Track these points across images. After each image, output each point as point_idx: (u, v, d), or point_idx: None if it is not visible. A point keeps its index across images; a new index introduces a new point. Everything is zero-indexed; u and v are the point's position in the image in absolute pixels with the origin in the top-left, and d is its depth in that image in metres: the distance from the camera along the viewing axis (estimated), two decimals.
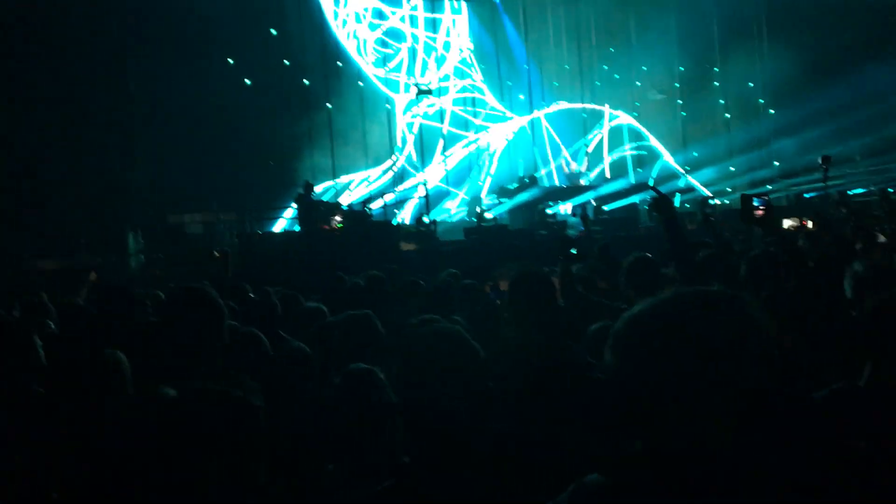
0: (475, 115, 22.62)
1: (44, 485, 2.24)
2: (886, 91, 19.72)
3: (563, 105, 22.82)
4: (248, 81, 17.82)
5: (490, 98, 22.93)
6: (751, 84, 23.10)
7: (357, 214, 14.55)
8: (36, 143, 15.18)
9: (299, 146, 18.37)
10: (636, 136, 23.37)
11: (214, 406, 1.69)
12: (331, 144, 18.31)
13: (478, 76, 23.00)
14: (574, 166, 19.59)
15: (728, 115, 22.92)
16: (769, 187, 21.10)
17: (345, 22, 20.89)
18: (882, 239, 4.57)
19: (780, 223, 11.30)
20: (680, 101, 22.86)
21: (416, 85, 19.20)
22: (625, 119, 23.19)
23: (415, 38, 21.73)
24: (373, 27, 21.39)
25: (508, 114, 22.74)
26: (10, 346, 2.53)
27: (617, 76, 23.13)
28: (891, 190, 16.89)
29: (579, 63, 22.13)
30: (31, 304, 4.93)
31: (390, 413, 2.09)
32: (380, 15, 21.32)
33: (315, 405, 2.88)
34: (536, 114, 22.59)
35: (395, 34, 21.73)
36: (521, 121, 22.51)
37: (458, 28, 22.89)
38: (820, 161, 10.89)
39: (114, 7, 16.04)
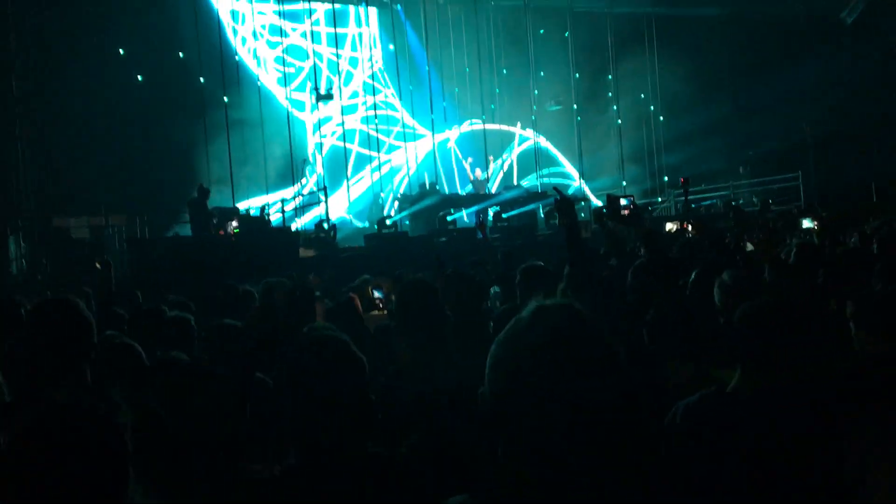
0: (387, 133, 22.30)
1: None
2: (768, 107, 20.92)
3: (476, 126, 22.87)
4: (139, 77, 17.20)
5: (402, 112, 22.68)
6: (642, 95, 24.00)
7: (254, 220, 14.30)
8: None
9: (195, 150, 17.86)
10: (545, 155, 23.85)
11: (74, 422, 1.65)
12: (229, 155, 17.77)
13: (388, 90, 22.85)
14: (479, 173, 19.82)
15: (620, 122, 23.65)
16: (659, 199, 22.02)
17: (244, 40, 20.54)
18: (750, 247, 4.85)
19: (664, 226, 11.96)
20: (576, 109, 23.48)
21: (316, 90, 19.00)
22: (534, 138, 23.44)
23: (317, 55, 21.24)
24: (272, 45, 20.92)
25: (420, 129, 22.52)
26: None
27: (513, 86, 23.59)
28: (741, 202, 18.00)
29: (479, 70, 22.39)
30: None
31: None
32: (280, 32, 20.82)
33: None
34: (449, 133, 22.59)
35: (297, 51, 21.31)
36: (435, 139, 22.46)
37: (365, 41, 22.66)
38: (680, 182, 11.83)
39: None
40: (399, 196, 19.74)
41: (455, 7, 22.61)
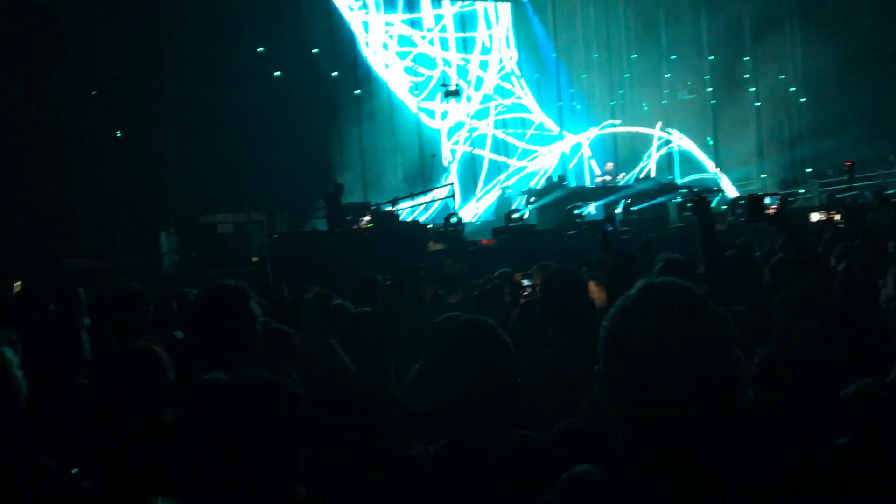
0: (521, 136, 22.08)
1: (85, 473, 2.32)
2: None
3: (619, 128, 22.46)
4: (277, 74, 17.94)
5: (537, 113, 22.46)
6: (782, 77, 22.84)
7: (385, 214, 14.66)
8: (70, 142, 15.54)
9: (329, 148, 18.54)
10: (686, 158, 23.18)
11: (269, 392, 1.73)
12: (361, 153, 18.29)
13: (523, 90, 22.66)
14: (610, 166, 19.51)
15: (758, 104, 22.56)
16: (801, 191, 20.90)
17: (375, 53, 20.82)
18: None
19: (808, 217, 11.28)
20: (710, 92, 22.62)
21: (444, 85, 19.20)
22: (676, 138, 22.74)
23: (446, 62, 21.26)
24: (401, 56, 21.07)
25: (557, 130, 22.19)
26: (58, 341, 2.62)
27: (643, 72, 22.98)
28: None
29: (609, 56, 21.97)
30: (67, 298, 5.07)
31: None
32: (409, 41, 21.06)
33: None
34: (584, 135, 22.14)
35: (426, 60, 21.33)
36: (575, 139, 22.15)
37: (495, 43, 22.51)
38: (845, 167, 10.94)
39: (145, 6, 16.37)
40: (527, 189, 19.69)
41: None
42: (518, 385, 2.02)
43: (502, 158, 21.19)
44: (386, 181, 18.75)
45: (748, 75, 22.94)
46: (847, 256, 4.52)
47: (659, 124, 22.59)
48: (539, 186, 19.09)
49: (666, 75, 22.56)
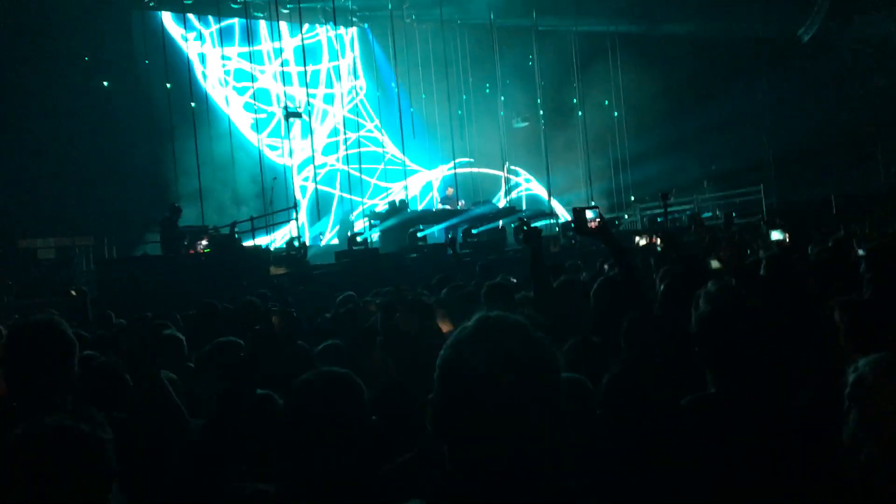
0: (370, 172, 21.80)
1: None
2: (730, 123, 21.40)
3: (468, 168, 22.91)
4: (105, 83, 17.05)
5: (388, 146, 22.48)
6: (609, 111, 24.37)
7: (224, 239, 14.24)
8: None
9: (162, 169, 17.75)
10: (533, 200, 24.06)
11: (58, 443, 1.69)
12: (198, 175, 17.62)
13: (373, 122, 22.61)
14: (451, 191, 19.96)
15: (586, 139, 23.92)
16: (626, 216, 22.35)
17: (213, 86, 20.33)
18: (716, 264, 4.99)
19: (633, 240, 12.14)
20: (542, 119, 23.79)
21: (286, 108, 18.98)
22: (522, 180, 23.47)
23: (290, 97, 20.76)
24: (240, 91, 20.59)
25: (409, 163, 22.02)
26: None
27: (480, 101, 23.81)
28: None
29: (447, 87, 22.56)
30: None
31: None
32: (250, 77, 20.60)
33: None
34: (441, 170, 22.34)
35: (267, 96, 20.93)
36: (431, 174, 22.34)
37: (342, 72, 22.48)
38: (660, 196, 12.02)
39: None
40: (369, 213, 19.76)
41: (423, 26, 22.79)
42: (369, 430, 2.04)
43: (355, 197, 20.82)
44: (225, 204, 18.18)
45: (576, 100, 24.29)
46: (666, 279, 4.89)
47: (506, 165, 23.33)
48: (381, 210, 19.22)
49: (501, 100, 23.49)
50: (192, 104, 18.26)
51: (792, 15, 23.39)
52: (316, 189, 19.85)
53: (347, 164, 20.97)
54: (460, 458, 1.32)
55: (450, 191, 19.97)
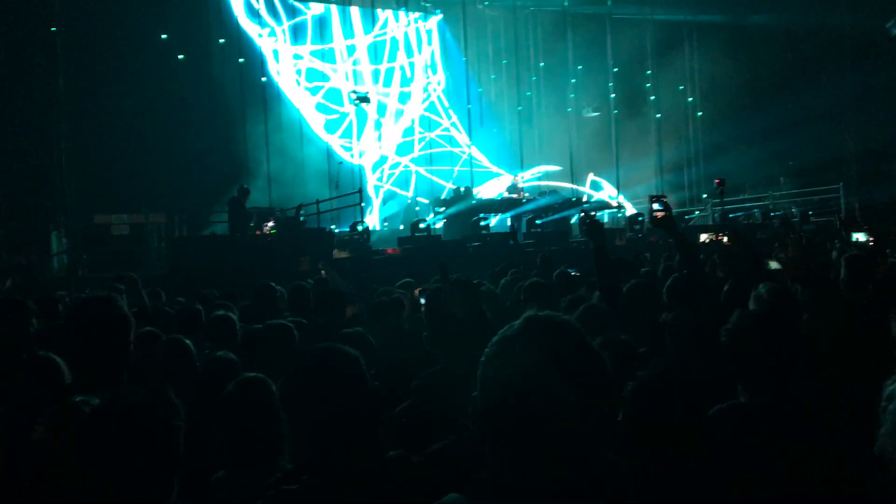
0: (447, 176, 21.37)
1: None
2: (811, 117, 20.60)
3: (544, 181, 22.41)
4: (181, 57, 17.36)
5: (465, 142, 22.00)
6: (685, 100, 23.75)
7: (289, 221, 14.43)
8: None
9: (234, 149, 18.12)
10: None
11: (141, 416, 1.68)
12: (267, 158, 17.89)
13: (450, 120, 22.32)
14: (518, 178, 19.74)
15: (659, 130, 23.34)
16: (696, 212, 21.74)
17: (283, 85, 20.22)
18: (775, 265, 4.79)
19: (698, 237, 11.84)
20: (614, 108, 23.32)
21: (354, 92, 19.08)
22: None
23: (358, 83, 20.60)
24: (313, 91, 20.47)
25: (486, 162, 21.72)
26: None
27: (550, 88, 23.46)
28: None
29: (517, 75, 22.33)
30: None
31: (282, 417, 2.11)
32: (322, 76, 20.50)
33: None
34: (521, 176, 20.78)
35: (338, 95, 20.66)
36: (508, 179, 20.81)
37: (417, 69, 22.23)
38: (715, 184, 11.64)
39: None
40: (432, 200, 19.75)
41: (494, 12, 22.59)
42: (377, 407, 1.99)
43: (425, 200, 20.56)
44: (292, 186, 18.44)
45: (649, 84, 23.73)
46: (730, 278, 4.71)
47: (590, 178, 22.77)
48: (445, 197, 19.19)
49: (572, 89, 23.12)
50: (263, 79, 18.33)
51: (880, 8, 22.34)
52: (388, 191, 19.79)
53: (431, 160, 20.64)
54: (503, 457, 1.31)
55: (517, 178, 19.73)
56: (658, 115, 23.67)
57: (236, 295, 6.48)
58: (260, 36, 19.78)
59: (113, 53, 15.96)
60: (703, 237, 8.34)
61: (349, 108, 20.37)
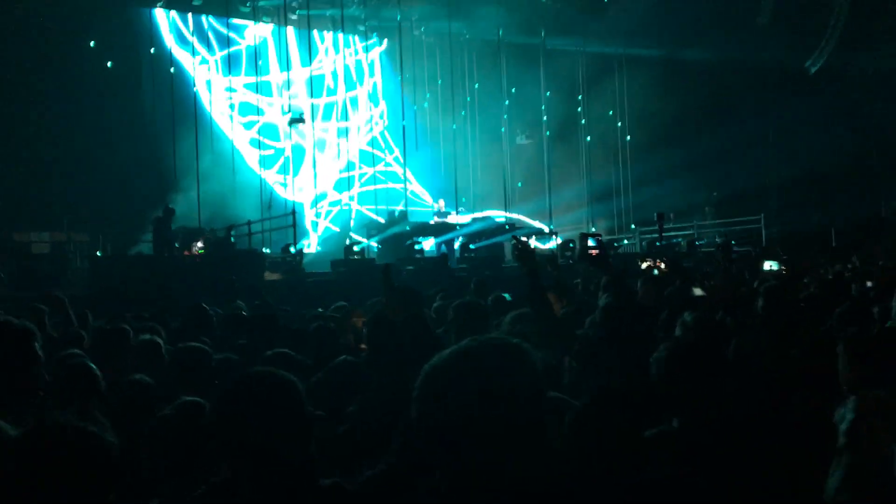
0: (388, 215, 20.00)
1: None
2: (734, 150, 21.38)
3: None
4: (109, 64, 16.87)
5: (407, 179, 21.76)
6: (613, 129, 24.34)
7: (220, 241, 14.18)
8: None
9: (164, 165, 17.69)
10: None
11: (69, 444, 1.62)
12: (197, 177, 17.53)
13: (392, 154, 22.15)
14: (442, 204, 19.76)
15: (589, 143, 23.71)
16: (625, 241, 22.23)
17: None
18: (699, 291, 4.94)
19: (638, 263, 12.12)
20: (546, 143, 23.72)
21: (288, 112, 18.92)
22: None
23: (301, 134, 20.14)
24: (247, 126, 19.92)
25: (430, 201, 21.25)
26: None
27: (481, 116, 23.73)
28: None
29: (452, 101, 22.53)
30: None
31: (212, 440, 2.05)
32: (256, 110, 19.92)
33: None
34: (466, 218, 19.90)
35: (274, 131, 20.23)
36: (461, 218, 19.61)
37: (360, 102, 22.10)
38: (655, 217, 11.99)
39: None
40: (367, 223, 19.68)
41: (430, 39, 22.80)
42: (310, 434, 1.95)
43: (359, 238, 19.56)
44: (223, 206, 18.10)
45: (581, 111, 24.25)
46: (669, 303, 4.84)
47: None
48: (380, 220, 19.15)
49: (505, 117, 23.43)
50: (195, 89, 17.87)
51: (799, 46, 23.45)
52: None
53: (377, 199, 20.32)
54: (447, 472, 1.34)
55: (441, 203, 19.73)
56: (588, 144, 24.18)
57: (165, 316, 6.31)
58: (194, 67, 19.32)
59: (34, 62, 15.45)
60: (644, 264, 8.64)
61: (285, 144, 20.07)
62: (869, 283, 6.59)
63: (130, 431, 2.75)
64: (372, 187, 21.02)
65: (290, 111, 19.20)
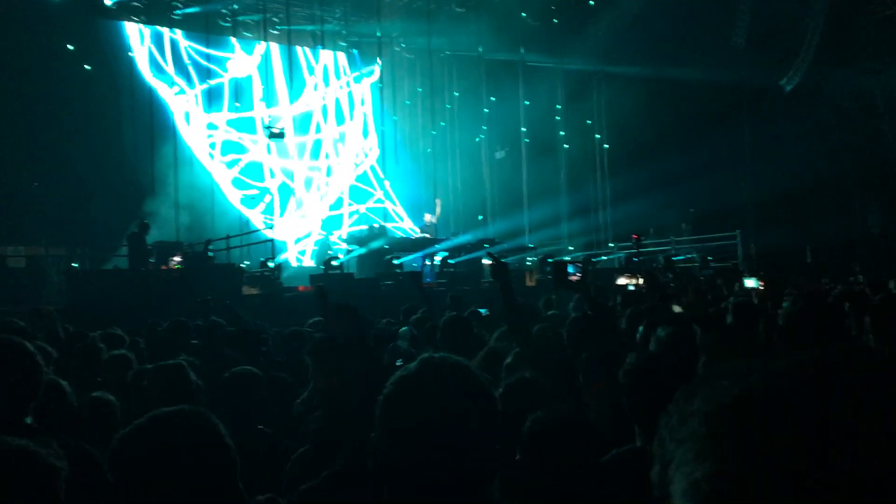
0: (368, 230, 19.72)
1: None
2: (711, 167, 21.58)
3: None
4: (87, 67, 16.69)
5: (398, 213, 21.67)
6: (589, 146, 24.52)
7: (198, 255, 14.11)
8: None
9: (141, 178, 17.59)
10: None
11: (13, 468, 1.61)
12: (176, 191, 17.40)
13: (381, 190, 21.84)
14: (429, 218, 19.73)
15: (567, 160, 23.83)
16: (603, 257, 22.32)
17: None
18: (677, 308, 4.99)
19: (614, 279, 12.22)
20: (524, 158, 23.85)
21: (268, 127, 18.86)
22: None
23: (273, 118, 19.51)
24: (229, 164, 19.37)
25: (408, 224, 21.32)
26: None
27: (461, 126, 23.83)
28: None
29: (432, 107, 22.62)
30: None
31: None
32: (237, 148, 19.38)
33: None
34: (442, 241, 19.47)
35: (258, 170, 19.63)
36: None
37: (348, 137, 21.86)
38: (633, 239, 12.09)
39: None
40: (347, 237, 19.65)
41: (411, 55, 22.91)
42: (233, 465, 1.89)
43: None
44: (201, 221, 18.03)
45: (560, 128, 24.40)
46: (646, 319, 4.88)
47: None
48: (360, 235, 19.11)
49: (483, 127, 23.53)
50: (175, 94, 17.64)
51: (775, 65, 23.78)
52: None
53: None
54: (398, 489, 1.38)
55: (428, 217, 19.76)
56: (567, 160, 24.34)
57: (141, 332, 6.29)
58: (173, 94, 18.87)
59: (10, 71, 15.32)
60: (621, 280, 8.71)
61: (270, 184, 19.73)
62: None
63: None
64: (359, 227, 20.74)
65: (269, 125, 19.08)
